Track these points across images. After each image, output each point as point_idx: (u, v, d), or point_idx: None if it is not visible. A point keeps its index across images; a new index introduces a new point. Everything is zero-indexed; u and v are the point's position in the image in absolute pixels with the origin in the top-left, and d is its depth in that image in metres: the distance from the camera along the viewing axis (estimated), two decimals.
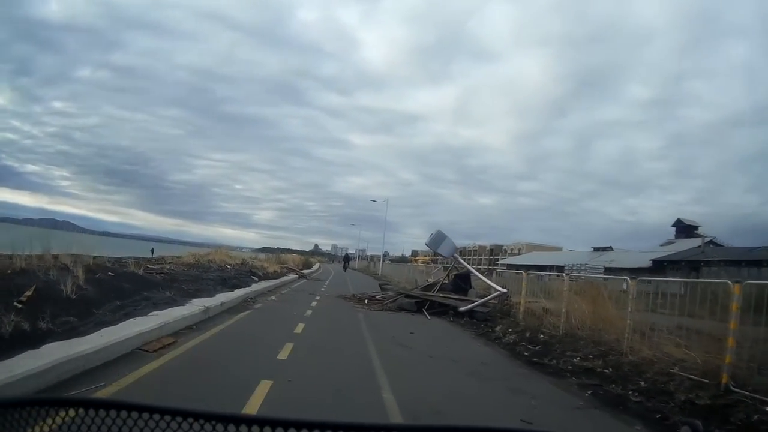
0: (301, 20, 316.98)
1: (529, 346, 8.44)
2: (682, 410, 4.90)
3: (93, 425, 0.84)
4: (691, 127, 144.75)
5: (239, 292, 12.42)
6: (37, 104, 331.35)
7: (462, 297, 13.68)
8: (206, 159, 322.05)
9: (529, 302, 11.36)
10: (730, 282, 5.70)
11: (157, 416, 0.81)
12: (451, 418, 4.41)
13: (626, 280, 8.27)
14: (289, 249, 64.04)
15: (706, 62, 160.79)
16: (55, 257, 8.59)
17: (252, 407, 4.07)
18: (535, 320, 10.29)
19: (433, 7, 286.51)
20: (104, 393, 4.10)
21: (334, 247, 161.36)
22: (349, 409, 4.38)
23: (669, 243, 53.30)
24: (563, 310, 9.35)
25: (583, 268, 39.03)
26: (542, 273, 15.15)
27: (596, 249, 60.70)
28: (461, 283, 14.94)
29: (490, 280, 15.26)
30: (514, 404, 5.24)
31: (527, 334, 9.25)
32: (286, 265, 29.93)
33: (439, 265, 27.13)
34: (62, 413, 0.85)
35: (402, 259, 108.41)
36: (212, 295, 10.62)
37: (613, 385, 5.89)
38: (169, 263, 14.98)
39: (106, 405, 0.84)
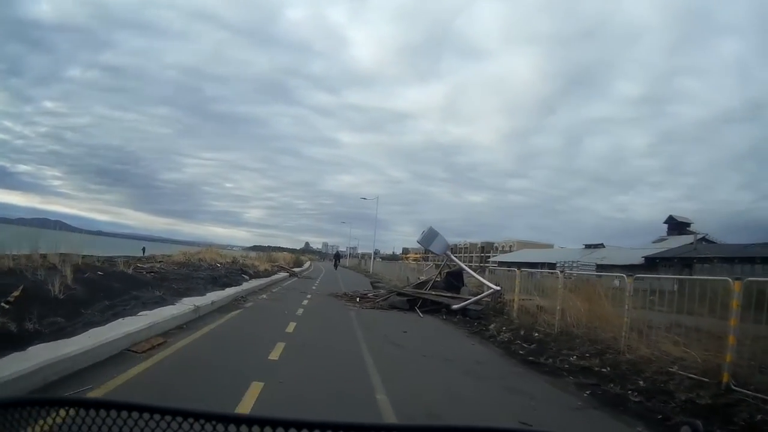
0: (289, 19, 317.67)
1: (524, 345, 8.36)
2: (683, 410, 4.83)
3: (91, 425, 0.84)
4: (681, 124, 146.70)
5: (230, 291, 12.27)
6: (28, 104, 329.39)
7: (455, 295, 13.58)
8: (196, 158, 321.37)
9: (522, 300, 11.28)
10: (730, 279, 5.65)
11: (157, 416, 0.81)
12: (447, 418, 4.33)
13: (622, 277, 8.22)
14: (279, 247, 63.72)
15: (696, 59, 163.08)
16: (44, 257, 8.51)
17: (243, 410, 3.94)
18: (529, 318, 10.23)
19: (422, 5, 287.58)
20: (91, 396, 3.96)
21: (325, 245, 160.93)
22: (343, 411, 4.28)
23: (661, 240, 53.67)
24: (558, 308, 9.29)
25: (574, 265, 39.19)
26: (534, 270, 15.10)
27: (588, 246, 60.94)
28: (454, 280, 14.84)
29: (483, 277, 15.18)
30: (512, 404, 5.16)
31: (522, 332, 9.18)
32: (277, 264, 29.75)
33: (430, 263, 27.09)
34: (59, 413, 0.86)
35: (393, 257, 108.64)
36: (203, 294, 10.47)
37: (612, 385, 5.81)
38: (160, 262, 14.88)
39: (104, 405, 0.84)
